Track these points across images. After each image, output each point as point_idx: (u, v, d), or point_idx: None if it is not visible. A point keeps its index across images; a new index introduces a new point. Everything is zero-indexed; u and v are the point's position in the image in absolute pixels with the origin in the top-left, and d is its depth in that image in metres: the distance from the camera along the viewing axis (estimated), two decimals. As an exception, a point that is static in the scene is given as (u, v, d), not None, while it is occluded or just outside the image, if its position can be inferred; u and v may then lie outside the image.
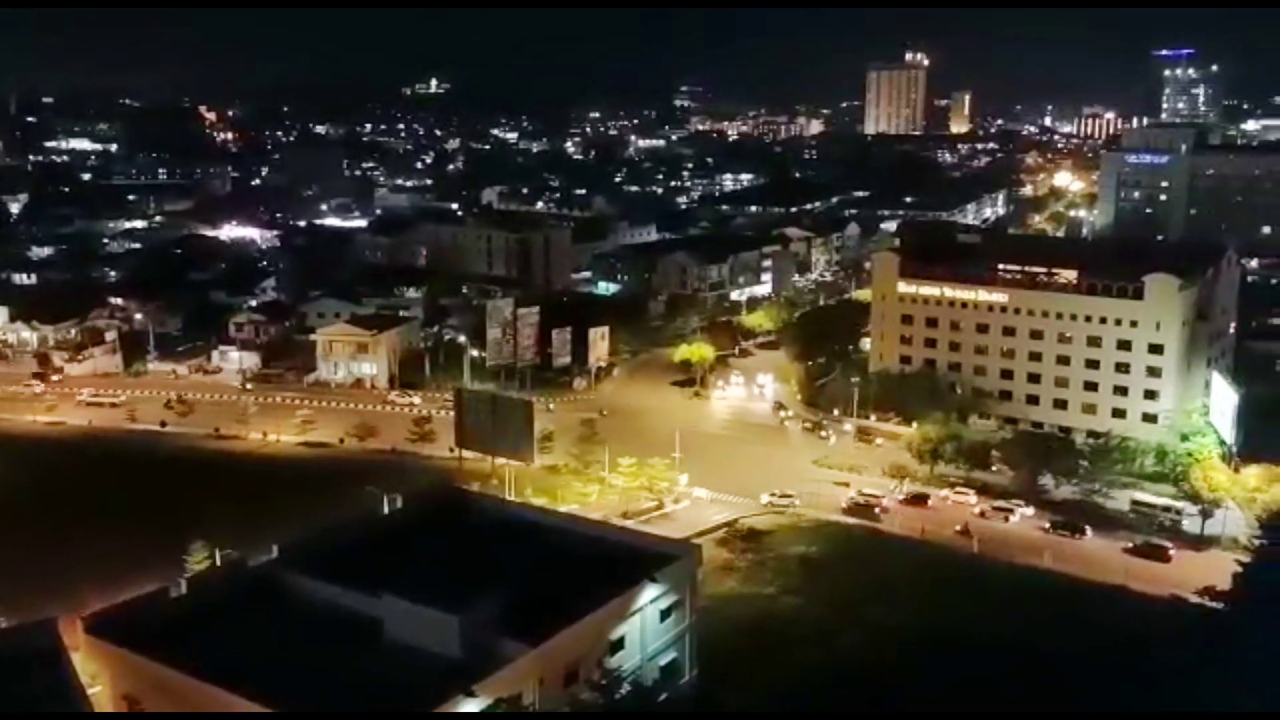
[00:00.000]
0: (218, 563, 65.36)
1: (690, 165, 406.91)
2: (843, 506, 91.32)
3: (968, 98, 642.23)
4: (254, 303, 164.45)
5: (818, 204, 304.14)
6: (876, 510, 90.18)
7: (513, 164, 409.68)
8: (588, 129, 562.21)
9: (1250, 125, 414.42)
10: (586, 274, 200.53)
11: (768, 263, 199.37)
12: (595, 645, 44.63)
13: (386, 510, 61.98)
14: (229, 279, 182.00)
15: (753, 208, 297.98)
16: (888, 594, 71.57)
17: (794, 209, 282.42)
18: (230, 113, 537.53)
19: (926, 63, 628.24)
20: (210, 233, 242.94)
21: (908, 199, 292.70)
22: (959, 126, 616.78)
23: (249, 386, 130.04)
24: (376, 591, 44.17)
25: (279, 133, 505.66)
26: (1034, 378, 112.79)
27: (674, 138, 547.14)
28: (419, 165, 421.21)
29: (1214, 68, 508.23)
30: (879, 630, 65.63)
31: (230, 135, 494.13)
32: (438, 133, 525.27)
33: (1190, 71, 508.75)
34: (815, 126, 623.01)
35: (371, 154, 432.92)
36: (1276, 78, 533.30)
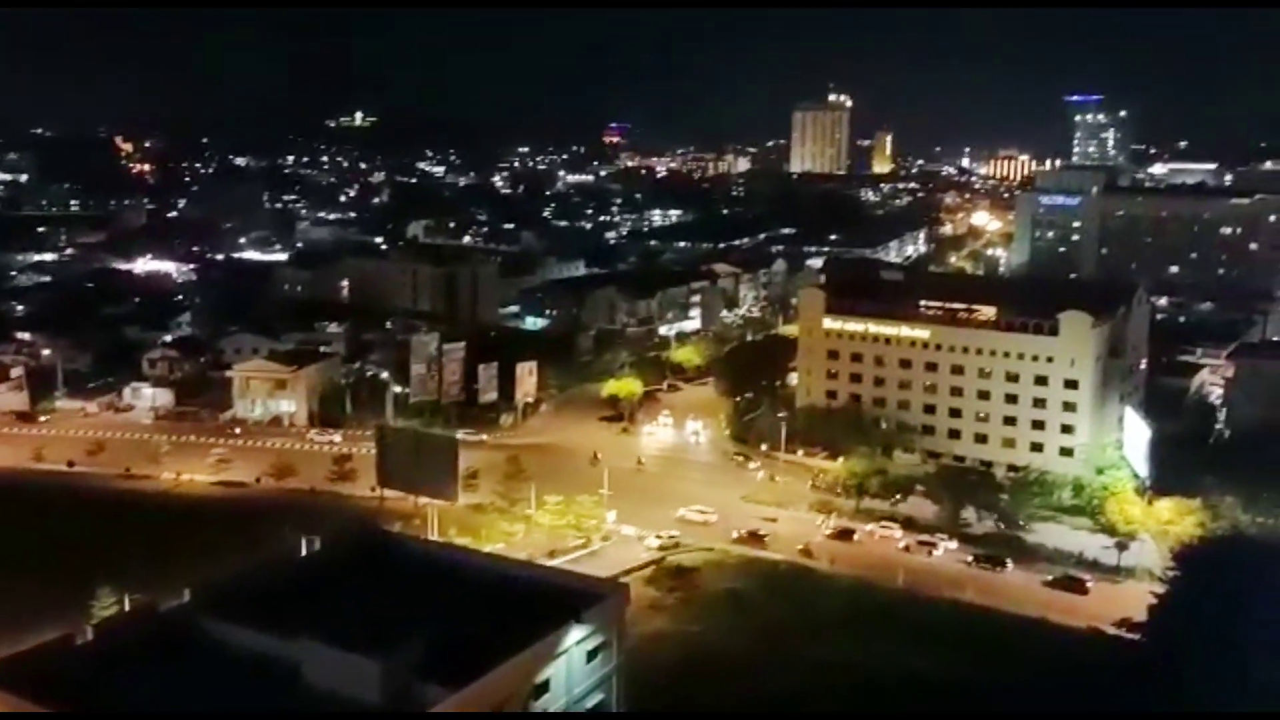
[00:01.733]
0: (127, 608, 63.01)
1: (619, 201, 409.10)
2: (733, 536, 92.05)
3: (889, 139, 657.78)
4: (168, 338, 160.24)
5: (745, 240, 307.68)
6: (765, 537, 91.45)
7: (439, 198, 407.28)
8: (516, 164, 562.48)
9: (1157, 169, 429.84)
10: (514, 309, 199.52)
11: (696, 298, 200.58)
12: (520, 688, 43.60)
13: (304, 552, 60.25)
14: (142, 314, 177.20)
15: (681, 243, 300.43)
16: (816, 629, 71.56)
17: (722, 245, 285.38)
18: (147, 144, 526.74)
19: (850, 104, 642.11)
20: (124, 266, 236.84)
21: (833, 236, 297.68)
22: (881, 166, 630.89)
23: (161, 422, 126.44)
24: (294, 635, 42.69)
25: (198, 164, 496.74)
26: (955, 412, 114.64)
27: (603, 173, 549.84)
28: (342, 198, 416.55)
29: (1122, 113, 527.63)
30: (808, 666, 65.50)
31: (147, 167, 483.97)
32: (362, 165, 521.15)
33: (1100, 116, 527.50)
34: (742, 164, 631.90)
35: (293, 186, 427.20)
36: (1180, 123, 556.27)
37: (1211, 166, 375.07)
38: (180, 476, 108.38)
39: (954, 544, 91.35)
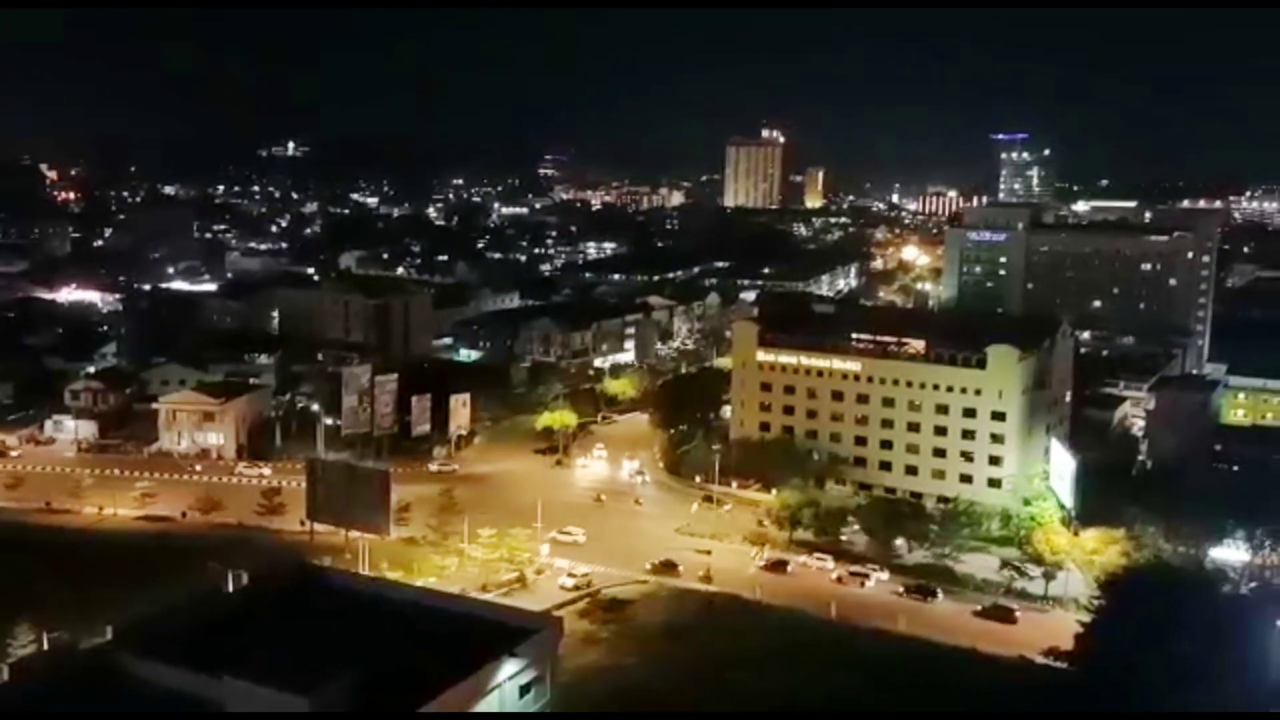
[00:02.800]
0: (45, 647, 61.07)
1: (554, 233, 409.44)
2: (646, 566, 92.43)
3: (821, 174, 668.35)
4: (92, 369, 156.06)
5: (680, 273, 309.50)
6: (678, 567, 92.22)
7: (372, 228, 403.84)
8: (450, 195, 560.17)
9: (1080, 206, 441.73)
10: (448, 341, 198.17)
11: (631, 330, 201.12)
12: (452, 724, 43.03)
13: (231, 588, 58.96)
14: (66, 344, 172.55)
15: (616, 276, 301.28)
16: (750, 661, 71.67)
17: (656, 278, 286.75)
18: (73, 171, 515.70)
19: (783, 140, 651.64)
20: (47, 295, 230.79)
21: (766, 270, 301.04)
22: (813, 201, 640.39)
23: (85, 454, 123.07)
24: (218, 673, 41.72)
25: (125, 192, 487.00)
26: (886, 444, 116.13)
27: (538, 205, 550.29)
28: (274, 228, 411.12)
29: (1046, 151, 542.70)
30: (740, 698, 65.57)
31: (73, 194, 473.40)
32: (294, 195, 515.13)
33: (1025, 154, 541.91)
34: (677, 198, 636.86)
35: (224, 215, 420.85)
36: (1101, 162, 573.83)
37: (1132, 204, 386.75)
38: (103, 511, 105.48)
39: (886, 575, 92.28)
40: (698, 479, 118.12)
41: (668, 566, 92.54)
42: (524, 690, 47.99)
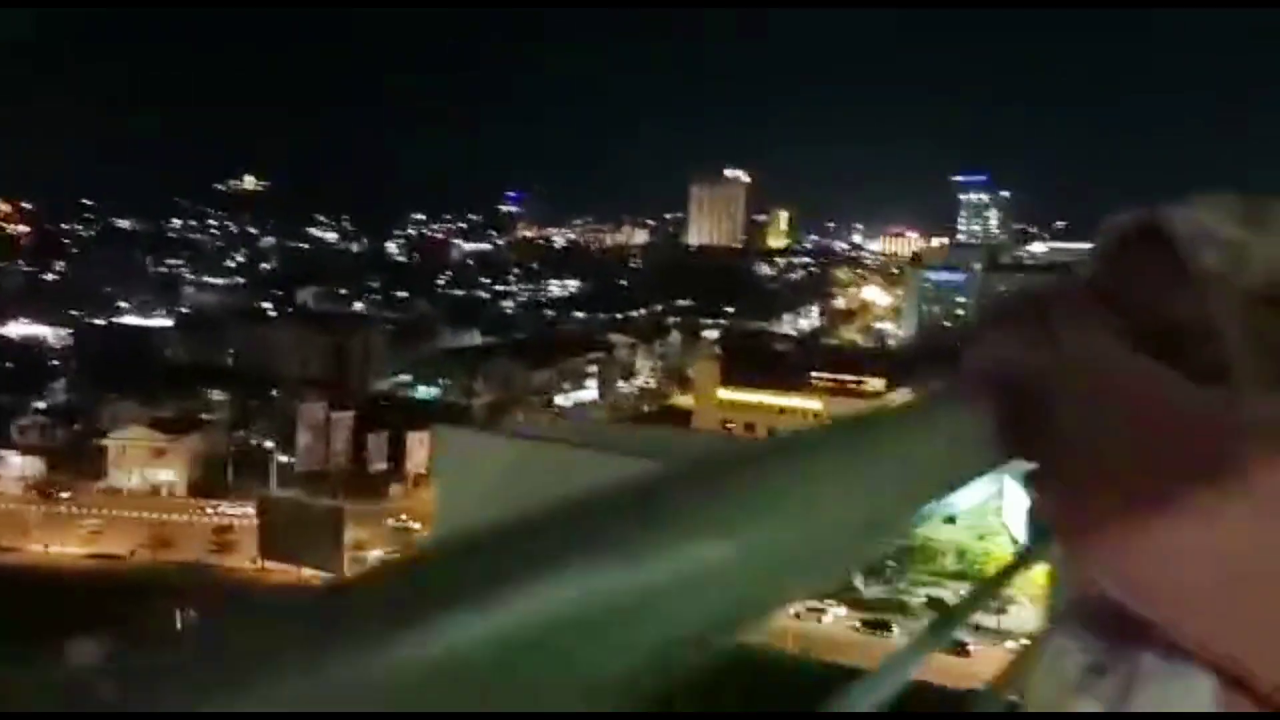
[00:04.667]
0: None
1: (516, 270, 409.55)
2: None
3: (784, 214, 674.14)
4: (41, 405, 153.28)
5: (642, 311, 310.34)
6: None
7: (331, 264, 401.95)
8: (411, 231, 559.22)
9: (1037, 247, 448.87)
10: (407, 378, 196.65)
11: (593, 369, 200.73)
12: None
13: (181, 627, 57.63)
14: (15, 379, 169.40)
15: (578, 314, 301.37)
16: (705, 695, 71.07)
17: (619, 316, 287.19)
18: (24, 205, 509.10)
19: (746, 180, 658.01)
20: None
21: (729, 309, 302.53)
22: (776, 241, 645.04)
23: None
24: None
25: (78, 226, 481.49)
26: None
27: (500, 242, 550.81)
28: (230, 263, 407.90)
29: (1004, 193, 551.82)
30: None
31: (23, 228, 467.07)
32: (252, 230, 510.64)
33: (983, 195, 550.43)
34: (640, 236, 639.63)
35: (179, 250, 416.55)
36: (1057, 204, 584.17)
37: (1088, 246, 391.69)
38: (48, 549, 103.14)
39: (843, 610, 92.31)
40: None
41: None
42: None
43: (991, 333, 1.32)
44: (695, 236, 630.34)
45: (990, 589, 3.47)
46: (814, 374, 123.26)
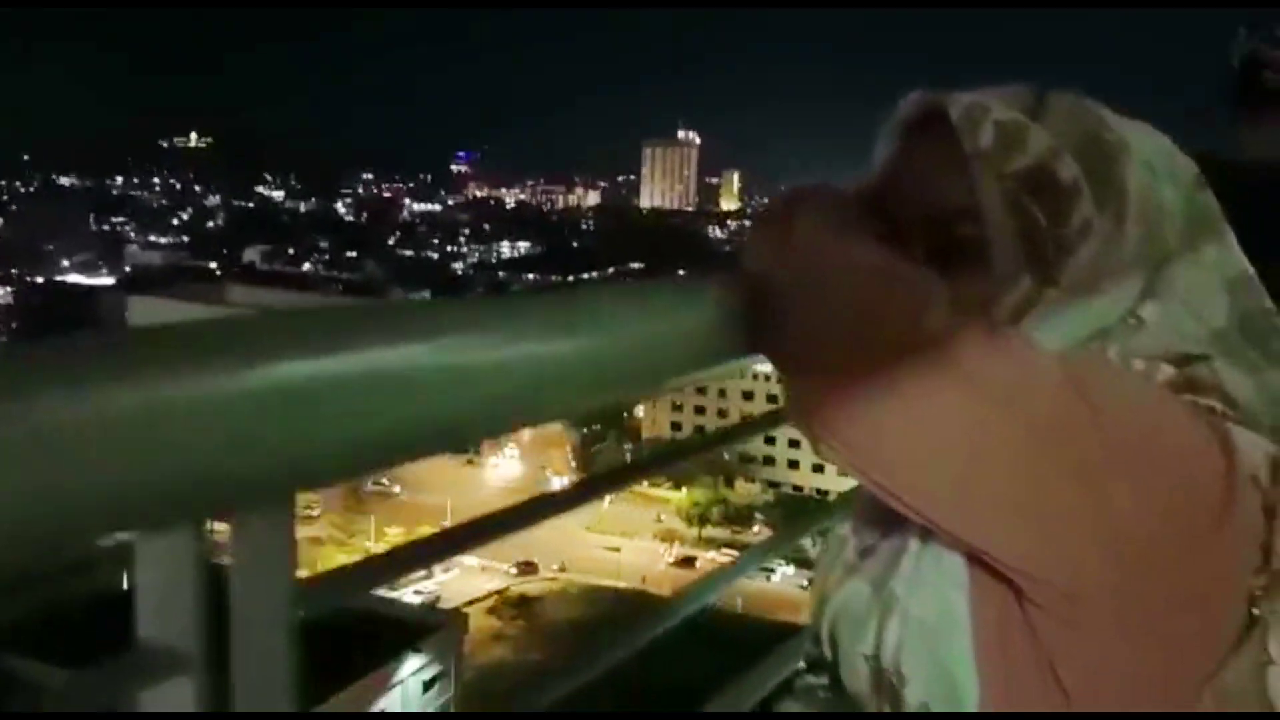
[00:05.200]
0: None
1: (467, 231, 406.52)
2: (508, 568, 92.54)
3: (736, 176, 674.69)
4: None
5: (595, 273, 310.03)
6: (535, 564, 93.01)
7: (278, 223, 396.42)
8: (360, 190, 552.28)
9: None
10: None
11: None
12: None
13: (126, 585, 57.37)
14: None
15: (530, 275, 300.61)
16: (652, 656, 71.99)
17: (571, 278, 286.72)
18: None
19: (699, 141, 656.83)
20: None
21: (681, 271, 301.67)
22: (729, 204, 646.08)
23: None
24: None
25: (17, 183, 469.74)
26: (794, 443, 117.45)
27: (450, 202, 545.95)
28: (175, 221, 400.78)
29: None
30: (636, 691, 65.90)
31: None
32: (197, 188, 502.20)
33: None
34: (593, 197, 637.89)
35: (123, 208, 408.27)
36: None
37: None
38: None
39: (791, 569, 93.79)
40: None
41: (527, 566, 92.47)
42: (427, 685, 47.84)
43: (750, 232, 1.32)
44: (648, 198, 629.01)
45: (818, 519, 3.71)
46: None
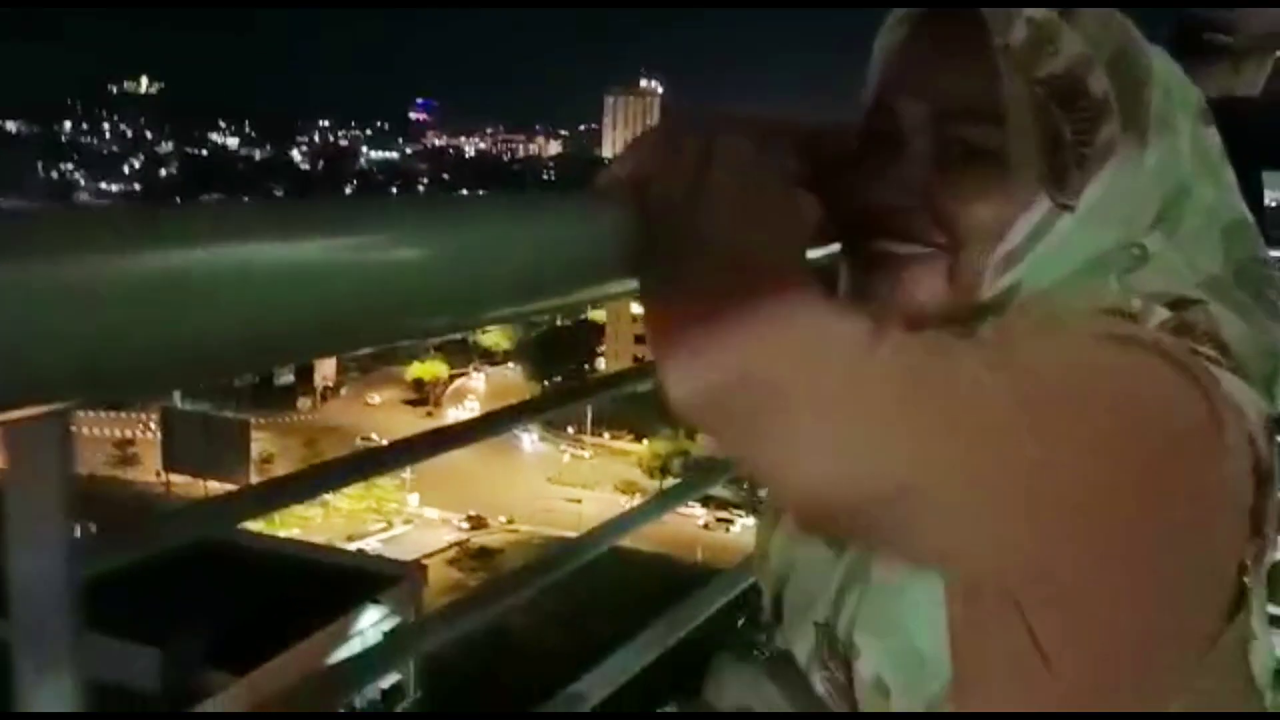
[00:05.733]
0: None
1: (426, 180, 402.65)
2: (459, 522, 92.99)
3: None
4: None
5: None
6: (485, 518, 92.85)
7: (233, 171, 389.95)
8: (315, 137, 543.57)
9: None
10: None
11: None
12: (312, 669, 42.76)
13: (79, 538, 56.85)
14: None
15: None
16: (612, 606, 72.88)
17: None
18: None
19: (661, 90, 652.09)
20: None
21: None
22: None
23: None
24: (63, 628, 40.38)
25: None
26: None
27: (408, 151, 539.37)
28: (126, 169, 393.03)
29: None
30: (590, 640, 66.74)
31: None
32: (148, 135, 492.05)
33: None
34: (554, 147, 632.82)
35: (71, 155, 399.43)
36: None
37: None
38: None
39: (750, 520, 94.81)
40: (569, 430, 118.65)
41: (477, 520, 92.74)
42: (387, 638, 47.97)
43: (636, 150, 1.22)
44: (610, 148, 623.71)
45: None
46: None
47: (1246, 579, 1.06)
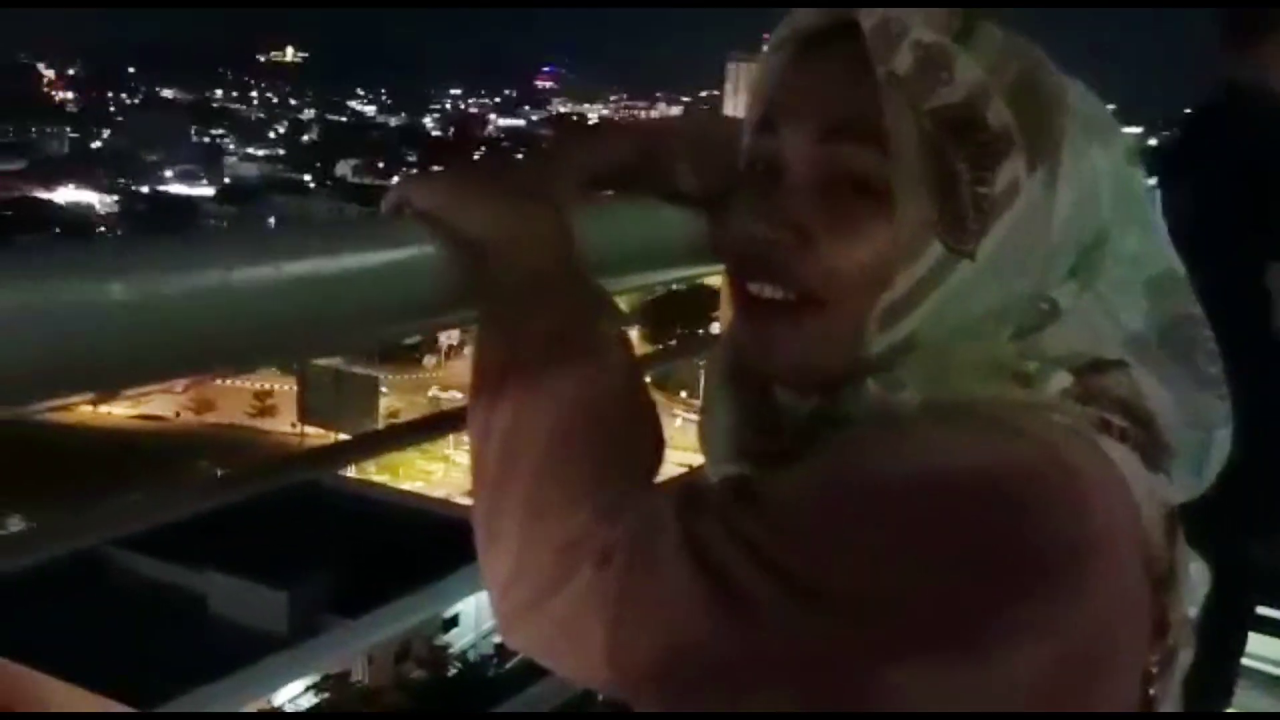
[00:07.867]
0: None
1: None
2: None
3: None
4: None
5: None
6: None
7: (369, 137, 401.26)
8: (447, 105, 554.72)
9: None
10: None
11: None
12: (429, 621, 44.74)
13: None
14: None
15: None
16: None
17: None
18: (70, 71, 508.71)
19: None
20: (45, 195, 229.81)
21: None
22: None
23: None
24: (201, 567, 43.36)
25: (123, 94, 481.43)
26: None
27: (535, 118, 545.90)
28: (272, 134, 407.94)
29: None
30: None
31: (70, 94, 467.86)
32: (292, 101, 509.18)
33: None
34: (675, 113, 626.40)
35: (221, 120, 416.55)
36: (1101, 83, 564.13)
37: (1137, 130, 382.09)
38: (98, 409, 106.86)
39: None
40: (683, 394, 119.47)
41: None
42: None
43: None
44: (730, 114, 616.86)
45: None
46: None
47: (1152, 689, 0.96)
